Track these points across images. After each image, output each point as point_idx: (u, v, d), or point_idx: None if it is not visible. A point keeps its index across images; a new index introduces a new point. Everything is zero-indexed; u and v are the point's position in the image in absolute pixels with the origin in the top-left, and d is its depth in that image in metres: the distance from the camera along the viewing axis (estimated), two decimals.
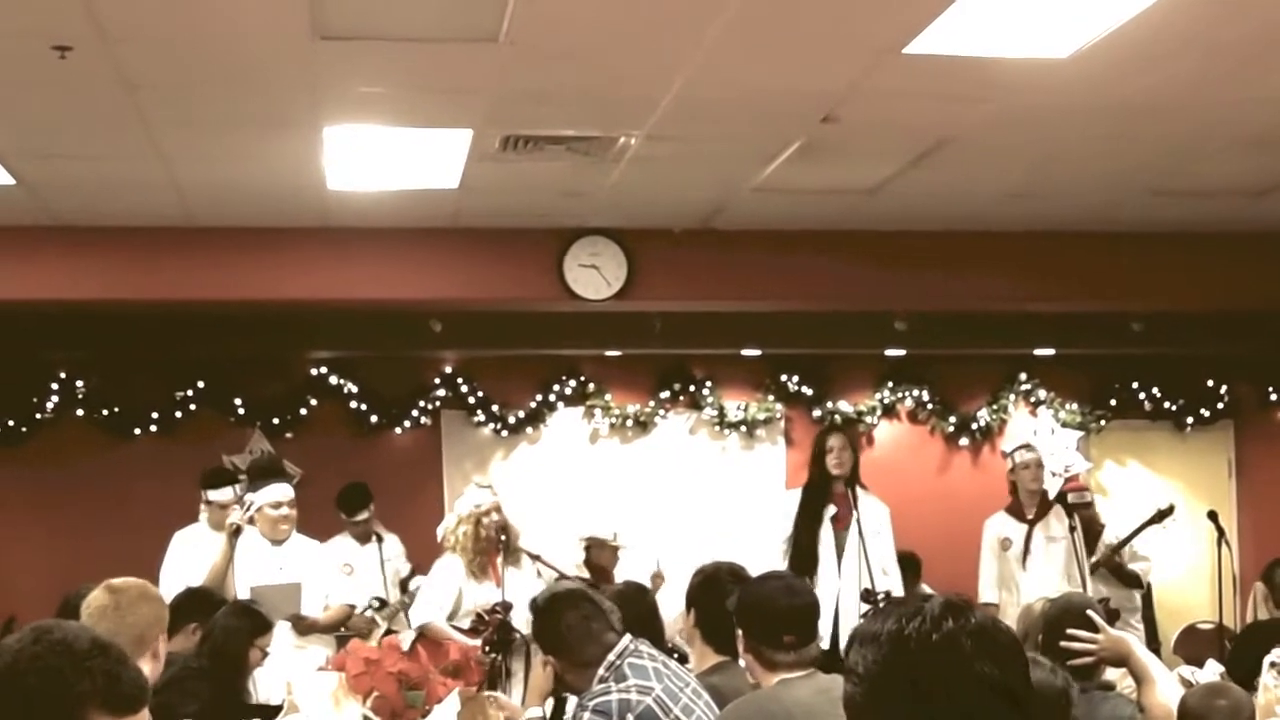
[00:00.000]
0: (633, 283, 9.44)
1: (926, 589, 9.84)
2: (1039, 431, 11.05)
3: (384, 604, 9.12)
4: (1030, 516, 9.15)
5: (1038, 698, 4.34)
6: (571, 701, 5.27)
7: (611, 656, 4.83)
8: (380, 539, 9.95)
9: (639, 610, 5.94)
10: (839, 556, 8.36)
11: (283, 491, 8.13)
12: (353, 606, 8.58)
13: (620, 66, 6.17)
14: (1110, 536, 9.45)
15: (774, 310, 10.31)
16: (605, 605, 5.06)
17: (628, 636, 4.93)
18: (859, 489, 8.55)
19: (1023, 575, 9.03)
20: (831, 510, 8.49)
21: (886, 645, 2.14)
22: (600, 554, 9.13)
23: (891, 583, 8.36)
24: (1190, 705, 4.58)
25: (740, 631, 4.52)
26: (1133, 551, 9.41)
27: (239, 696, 6.04)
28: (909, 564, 9.62)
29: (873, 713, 2.16)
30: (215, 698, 5.63)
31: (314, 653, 7.84)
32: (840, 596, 8.26)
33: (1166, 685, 4.82)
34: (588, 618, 4.96)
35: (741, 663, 5.17)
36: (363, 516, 9.88)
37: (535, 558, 7.84)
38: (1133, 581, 9.40)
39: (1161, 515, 9.50)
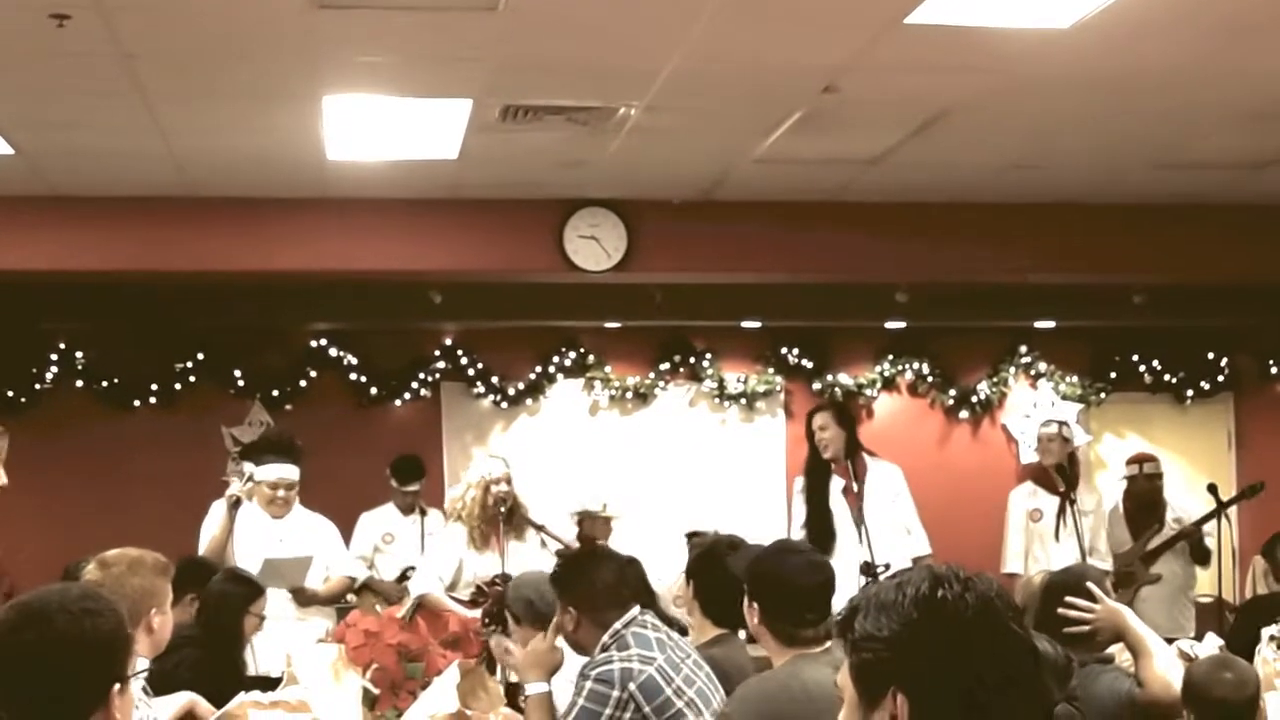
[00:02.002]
0: (633, 254, 9.42)
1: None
2: (1039, 404, 11.07)
3: None
4: (1062, 488, 9.14)
5: (1042, 666, 4.39)
6: (566, 673, 5.29)
7: (617, 625, 4.84)
8: (424, 512, 9.96)
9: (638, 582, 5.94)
10: (859, 528, 8.34)
11: (282, 472, 8.08)
12: (353, 579, 8.59)
13: (620, 36, 6.14)
14: (1179, 511, 9.43)
15: (774, 282, 10.30)
16: (629, 576, 5.08)
17: (637, 607, 4.94)
18: (866, 458, 8.54)
19: (1055, 546, 9.02)
20: (840, 483, 8.49)
21: (916, 609, 2.16)
22: (593, 526, 9.10)
23: (918, 544, 8.38)
24: (1196, 678, 4.59)
25: (755, 605, 4.44)
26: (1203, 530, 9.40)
27: (235, 664, 6.04)
28: None
29: (903, 676, 2.17)
30: (212, 666, 5.63)
31: (314, 625, 7.85)
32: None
33: (1163, 658, 4.83)
34: (619, 582, 4.98)
35: (742, 635, 5.16)
36: (414, 488, 9.89)
37: (540, 528, 7.83)
38: (1205, 558, 9.37)
39: (1253, 490, 9.52)
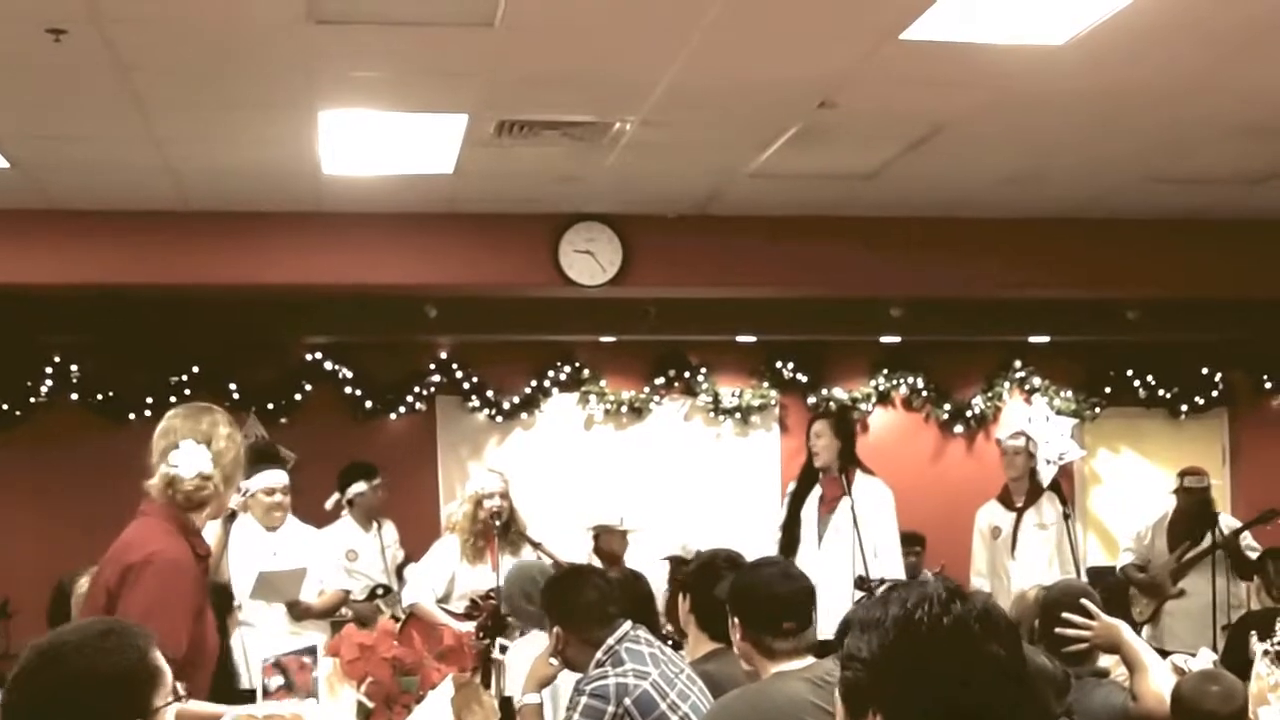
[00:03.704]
0: (628, 269, 9.43)
1: (927, 573, 9.85)
2: (1033, 419, 11.04)
3: (388, 590, 9.10)
4: (1019, 504, 9.13)
5: (1041, 680, 4.39)
6: (564, 684, 5.30)
7: (610, 641, 4.86)
8: (380, 525, 9.90)
9: (634, 596, 5.95)
10: (819, 539, 8.31)
11: (277, 478, 8.09)
12: (347, 592, 8.57)
13: (616, 51, 6.16)
14: (1224, 526, 9.40)
15: (769, 297, 10.31)
16: (615, 593, 5.09)
17: (628, 622, 4.96)
18: (859, 472, 8.50)
19: (1011, 563, 9.01)
20: (818, 492, 8.45)
21: (893, 630, 2.13)
22: (610, 540, 9.11)
23: (885, 566, 8.27)
24: (1184, 691, 4.61)
25: (736, 621, 4.43)
26: (1246, 543, 9.37)
27: (225, 674, 6.03)
28: (917, 544, 9.70)
29: (878, 698, 2.14)
30: None
31: (309, 638, 7.82)
32: (821, 581, 8.16)
33: (1158, 673, 4.85)
34: (603, 599, 4.99)
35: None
36: (357, 489, 9.70)
37: (536, 545, 7.83)
38: (1249, 571, 9.32)
39: (1272, 515, 9.55)
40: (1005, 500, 9.26)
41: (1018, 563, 8.95)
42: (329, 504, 9.64)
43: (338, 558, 9.12)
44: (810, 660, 4.35)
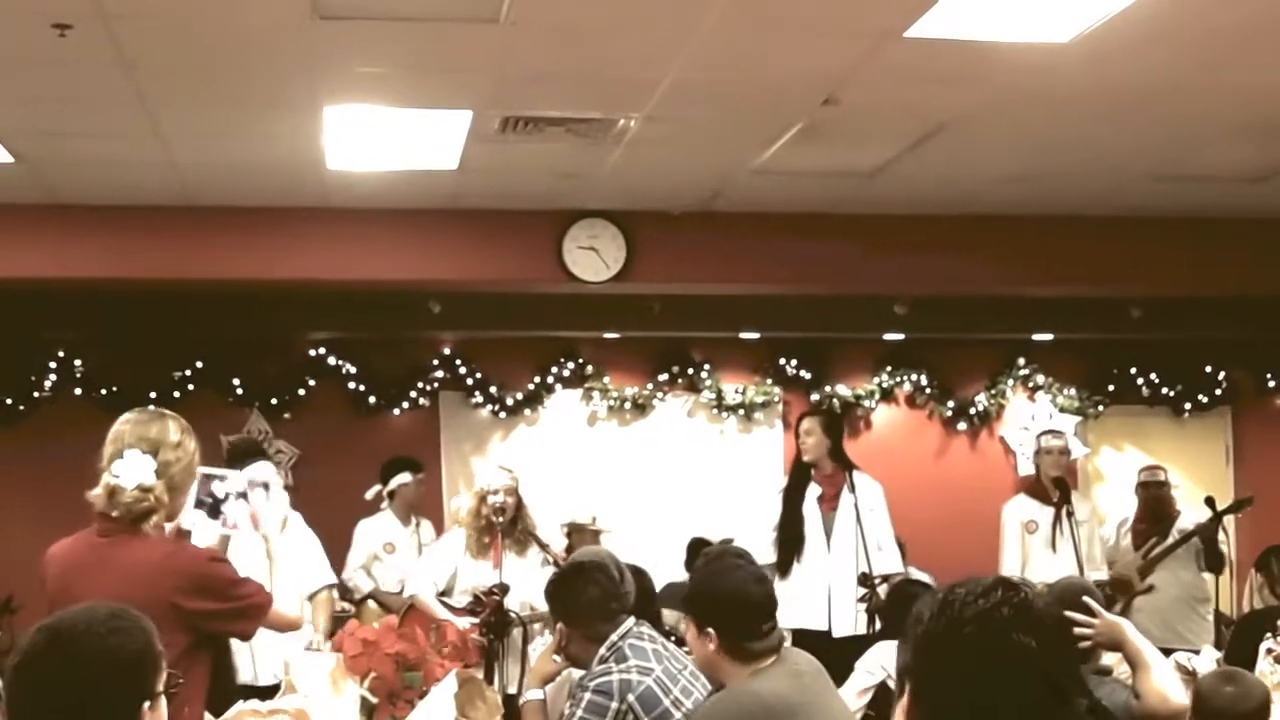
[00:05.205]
0: (632, 265, 9.43)
1: (915, 572, 9.85)
2: (1037, 416, 11.07)
3: None
4: (1055, 499, 9.14)
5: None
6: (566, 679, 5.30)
7: (614, 637, 4.87)
8: (418, 522, 9.95)
9: (637, 592, 5.95)
10: (828, 537, 8.33)
11: (265, 471, 8.04)
12: (332, 585, 8.56)
13: (621, 48, 6.16)
14: (1186, 523, 9.42)
15: (773, 293, 10.30)
16: (621, 583, 5.09)
17: (632, 619, 4.96)
18: (854, 470, 8.51)
19: (1052, 557, 9.00)
20: (817, 491, 8.46)
21: (931, 611, 2.21)
22: (581, 539, 9.10)
23: (887, 559, 8.32)
24: (1201, 689, 4.61)
25: (711, 632, 4.28)
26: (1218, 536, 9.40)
27: (225, 670, 6.03)
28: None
29: (912, 676, 2.23)
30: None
31: (312, 634, 7.83)
32: (833, 578, 8.21)
33: (1161, 671, 4.84)
34: (606, 596, 5.00)
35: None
36: (401, 480, 9.81)
37: (544, 546, 7.83)
38: (1218, 565, 9.35)
39: (1240, 505, 9.61)
40: (1040, 495, 9.27)
41: (1059, 557, 8.94)
42: (369, 495, 9.77)
43: (374, 548, 9.26)
44: (779, 657, 4.31)
